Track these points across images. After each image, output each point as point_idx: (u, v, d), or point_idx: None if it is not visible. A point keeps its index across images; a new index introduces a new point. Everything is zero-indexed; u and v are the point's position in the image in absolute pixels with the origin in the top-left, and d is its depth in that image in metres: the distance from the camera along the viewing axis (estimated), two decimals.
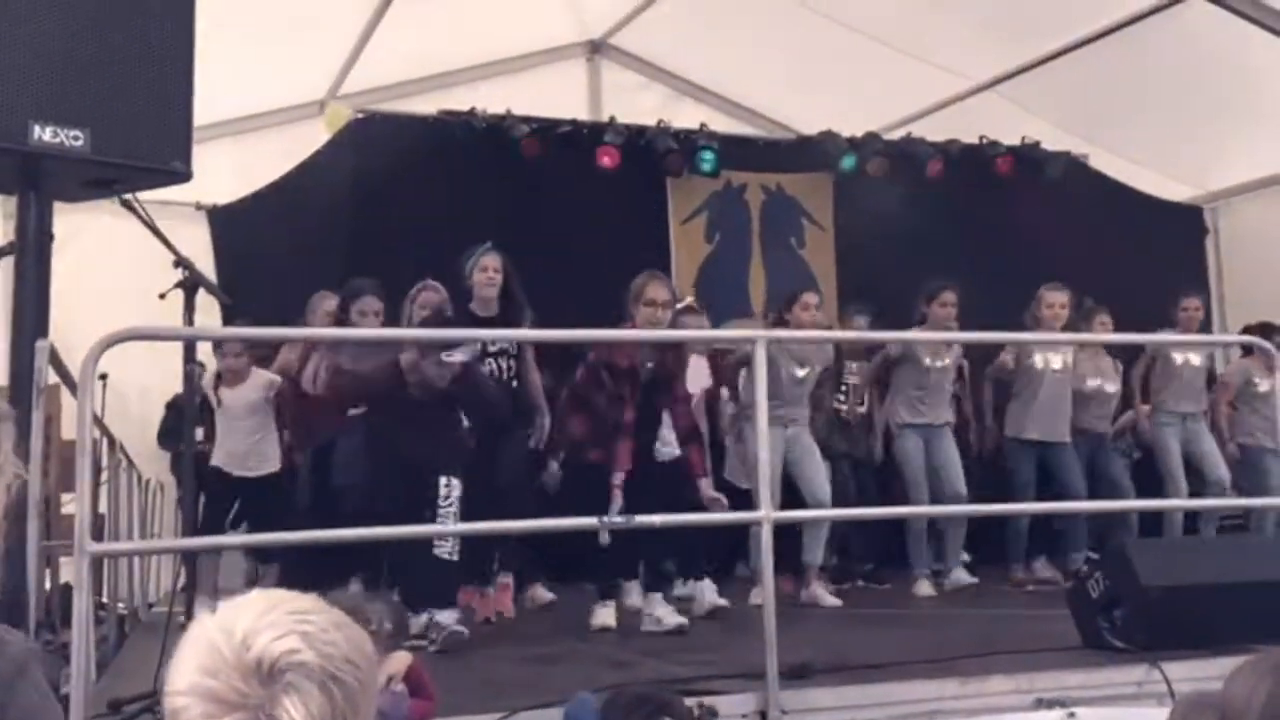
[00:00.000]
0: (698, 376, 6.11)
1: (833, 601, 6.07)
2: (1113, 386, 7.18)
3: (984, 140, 9.87)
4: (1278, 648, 2.10)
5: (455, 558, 4.87)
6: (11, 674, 1.55)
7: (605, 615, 5.24)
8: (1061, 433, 6.84)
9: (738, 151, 9.51)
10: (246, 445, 6.40)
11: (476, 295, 5.58)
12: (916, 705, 3.62)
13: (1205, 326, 7.93)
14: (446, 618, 4.82)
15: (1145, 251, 9.54)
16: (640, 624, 5.21)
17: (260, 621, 1.12)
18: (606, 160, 8.73)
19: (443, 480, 4.82)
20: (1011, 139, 9.89)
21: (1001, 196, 9.86)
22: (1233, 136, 9.39)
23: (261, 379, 6.38)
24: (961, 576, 6.62)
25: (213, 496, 6.35)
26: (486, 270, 5.56)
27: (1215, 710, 2.16)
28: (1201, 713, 2.23)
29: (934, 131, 9.71)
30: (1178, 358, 7.15)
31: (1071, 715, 3.60)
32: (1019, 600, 6.25)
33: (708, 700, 3.02)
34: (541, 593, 6.38)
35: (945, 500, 6.48)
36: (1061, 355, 6.92)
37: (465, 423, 5.33)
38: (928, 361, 6.65)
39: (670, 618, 5.14)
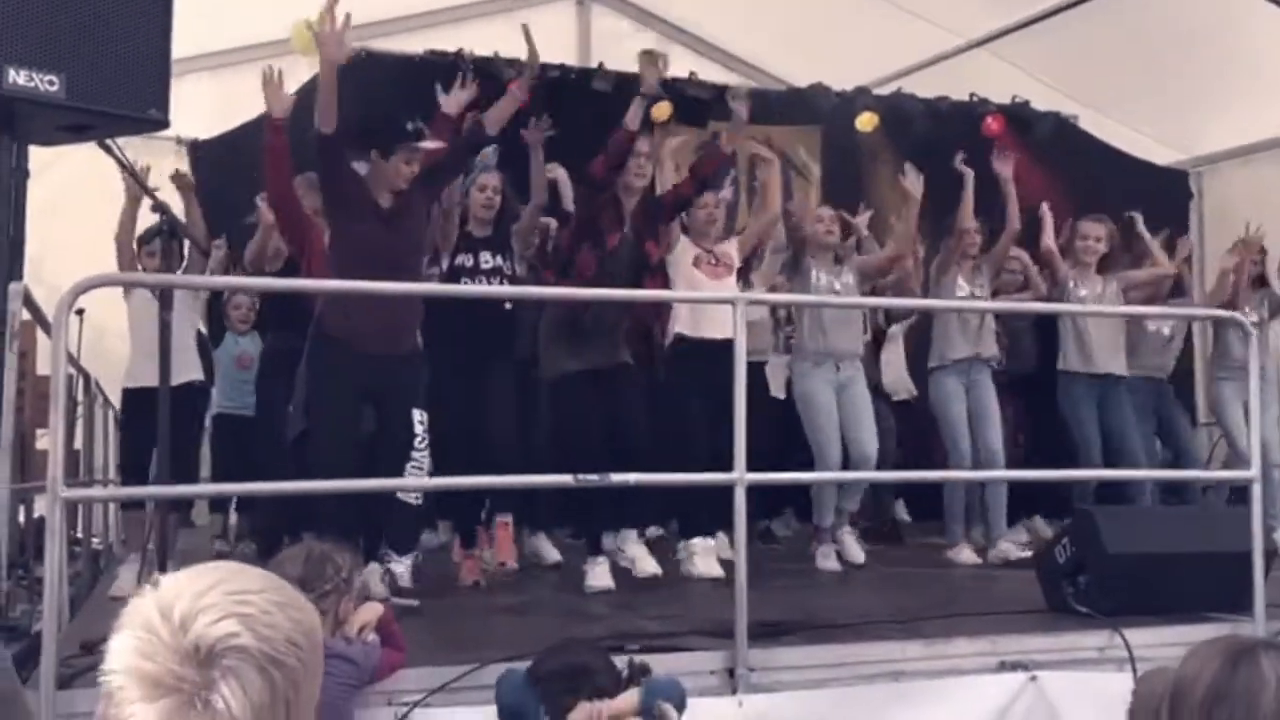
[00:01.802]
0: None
1: (834, 567, 5.75)
2: (1168, 328, 6.91)
3: (974, 98, 9.83)
4: (1232, 633, 2.15)
5: (419, 501, 4.81)
6: None
7: (602, 575, 4.98)
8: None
9: (727, 102, 9.41)
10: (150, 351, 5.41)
11: (474, 214, 5.39)
12: (881, 665, 3.67)
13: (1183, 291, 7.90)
14: (403, 569, 4.70)
15: (1130, 212, 9.53)
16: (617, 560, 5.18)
17: (199, 603, 1.11)
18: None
19: (415, 415, 4.66)
20: (1001, 97, 9.86)
21: (989, 154, 9.83)
22: (1221, 101, 9.36)
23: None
24: (1010, 549, 6.04)
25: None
26: (485, 189, 5.40)
27: (1169, 683, 2.22)
28: (1157, 683, 2.29)
29: (924, 87, 9.67)
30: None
31: (1034, 679, 3.66)
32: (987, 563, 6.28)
33: (640, 658, 3.04)
34: (547, 550, 5.98)
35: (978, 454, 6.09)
36: (1089, 288, 6.53)
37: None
38: (963, 294, 6.29)
39: (645, 563, 5.08)
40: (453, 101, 5.00)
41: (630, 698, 2.84)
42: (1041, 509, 6.99)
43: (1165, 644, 3.75)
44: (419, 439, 4.73)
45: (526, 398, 5.61)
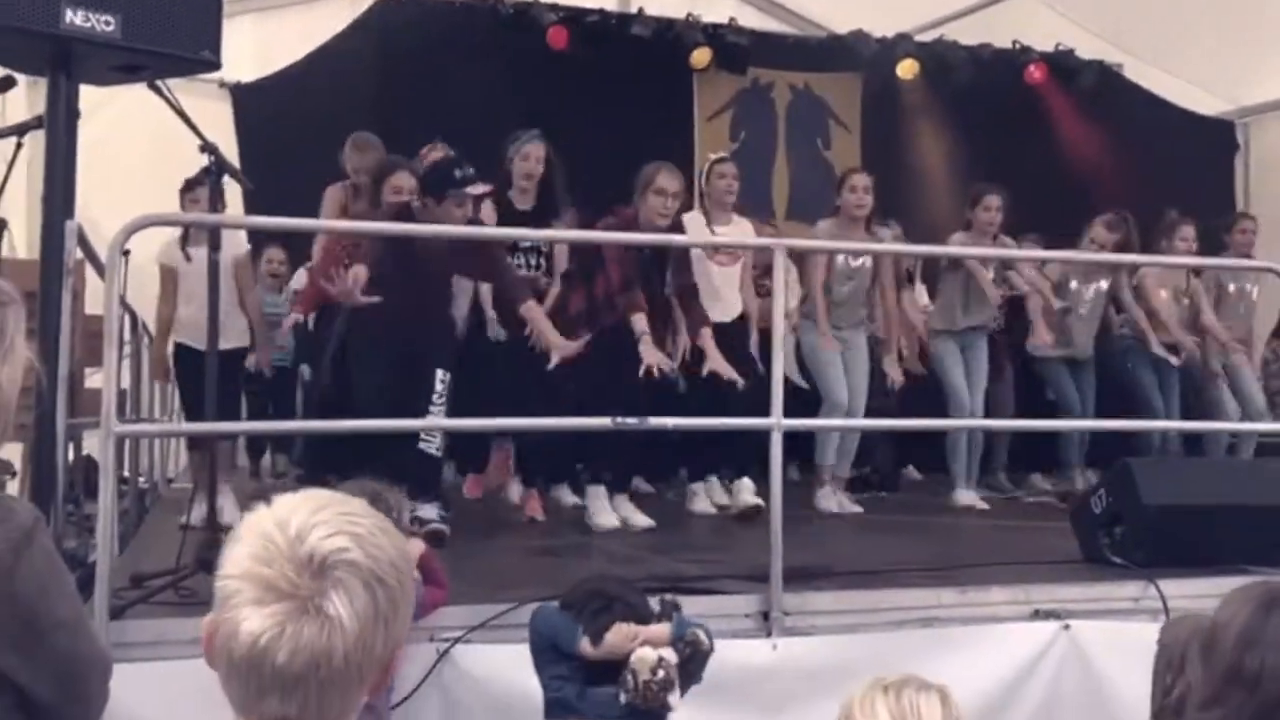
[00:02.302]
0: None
1: (852, 509, 6.05)
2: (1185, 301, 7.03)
3: (1017, 45, 9.69)
4: (1267, 579, 2.17)
5: (440, 453, 4.88)
6: (19, 541, 1.62)
7: (605, 515, 5.20)
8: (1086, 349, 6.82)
9: (766, 48, 9.37)
10: (198, 316, 5.38)
11: (515, 183, 5.41)
12: (914, 612, 3.70)
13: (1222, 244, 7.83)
14: (428, 511, 4.77)
15: (1174, 165, 9.43)
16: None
17: (314, 518, 1.17)
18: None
19: (439, 374, 4.76)
20: (1045, 45, 9.71)
21: (1033, 103, 9.74)
22: (1268, 51, 9.19)
23: (234, 237, 5.58)
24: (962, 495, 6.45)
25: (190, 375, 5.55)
26: (529, 159, 5.38)
27: (1200, 628, 2.25)
28: (1182, 629, 2.32)
29: (966, 35, 9.53)
30: (1230, 286, 7.08)
31: (1067, 627, 3.69)
32: (1022, 513, 6.33)
33: (670, 596, 3.10)
34: (567, 496, 6.12)
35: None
36: (1095, 285, 6.87)
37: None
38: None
39: (636, 518, 5.22)
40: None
41: (663, 627, 2.89)
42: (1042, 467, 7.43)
43: (1200, 595, 3.75)
44: (437, 394, 4.78)
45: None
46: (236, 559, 1.17)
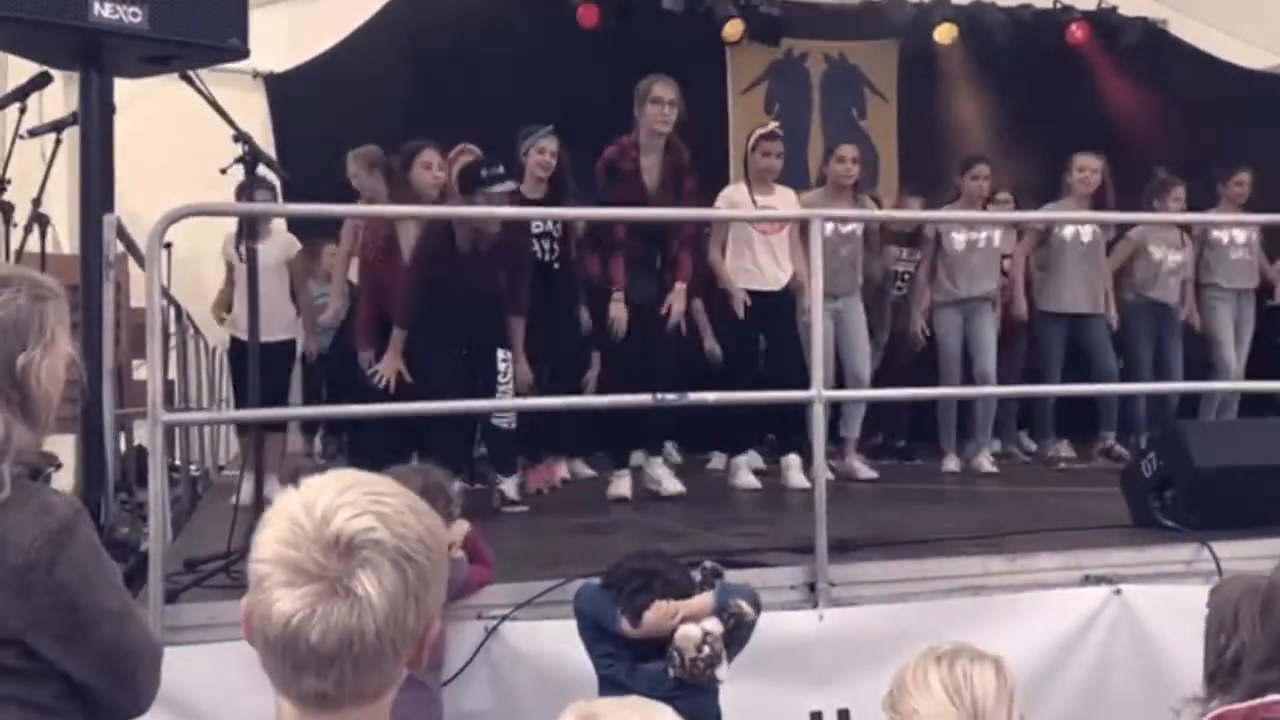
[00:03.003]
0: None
1: (869, 473, 6.21)
2: (1178, 256, 7.01)
3: (1058, 5, 9.54)
4: None
5: (514, 426, 5.07)
6: (59, 534, 1.65)
7: (621, 485, 5.38)
8: (1093, 304, 6.73)
9: (800, 18, 9.28)
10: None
11: (528, 174, 5.59)
12: (962, 580, 3.67)
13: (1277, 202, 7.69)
14: (509, 486, 5.06)
15: (1223, 121, 9.23)
16: (643, 482, 5.46)
17: (339, 499, 1.18)
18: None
19: (500, 354, 4.96)
20: (1087, 3, 9.55)
21: (1075, 64, 9.57)
22: None
23: (283, 236, 6.04)
24: (982, 462, 6.57)
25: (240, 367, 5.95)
26: (544, 153, 5.57)
27: (1253, 587, 2.21)
28: (1237, 587, 2.28)
29: None
30: (1223, 236, 6.99)
31: (1118, 592, 3.64)
32: (1070, 479, 6.28)
33: (712, 562, 3.10)
34: (581, 468, 6.50)
35: (974, 378, 6.52)
36: (1092, 228, 6.80)
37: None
38: (963, 237, 6.61)
39: (669, 482, 5.38)
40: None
41: (705, 599, 2.88)
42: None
43: (1254, 557, 3.68)
44: (501, 375, 4.99)
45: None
46: (266, 543, 1.18)
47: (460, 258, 5.03)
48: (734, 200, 5.82)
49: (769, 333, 5.82)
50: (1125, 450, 6.56)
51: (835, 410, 6.27)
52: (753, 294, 5.76)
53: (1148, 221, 6.95)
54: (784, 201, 5.89)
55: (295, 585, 1.15)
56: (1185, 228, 7.07)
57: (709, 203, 5.78)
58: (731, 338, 6.01)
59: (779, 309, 5.86)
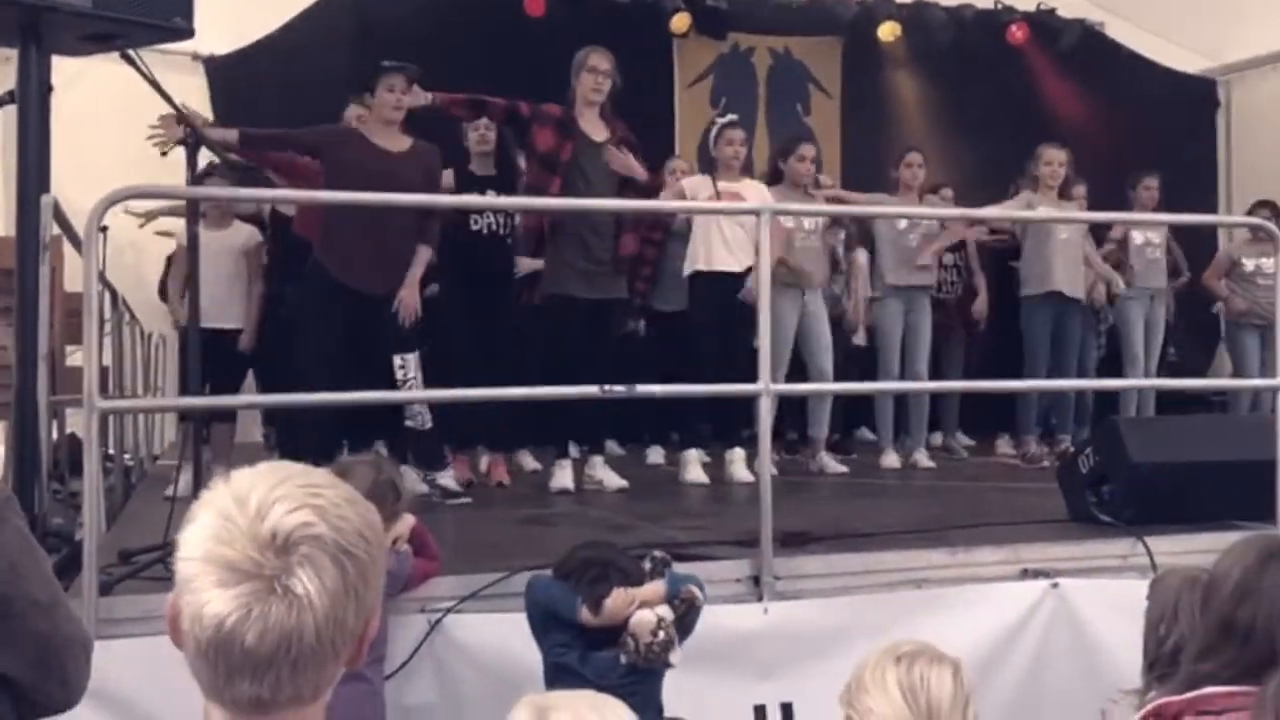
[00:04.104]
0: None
1: (839, 468, 6.25)
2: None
3: (999, 5, 9.66)
4: (1265, 532, 2.18)
5: (429, 425, 4.97)
6: None
7: (563, 477, 5.38)
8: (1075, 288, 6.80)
9: (746, 12, 9.30)
10: (212, 293, 5.50)
11: (473, 155, 5.68)
12: (905, 574, 3.71)
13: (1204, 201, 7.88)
14: (446, 479, 5.00)
15: (1157, 123, 9.43)
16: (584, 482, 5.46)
17: (274, 493, 1.12)
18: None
19: (397, 360, 4.82)
20: (1026, 4, 9.68)
21: (1015, 63, 9.71)
22: (1248, 8, 9.20)
23: (243, 231, 5.94)
24: (920, 458, 6.65)
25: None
26: (478, 129, 5.65)
27: (1191, 580, 2.25)
28: (1176, 579, 2.33)
29: None
30: (1138, 237, 7.12)
31: (1055, 585, 3.70)
32: (1011, 474, 6.38)
33: (660, 552, 3.12)
34: (528, 460, 6.47)
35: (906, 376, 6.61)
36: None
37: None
38: (902, 226, 6.67)
39: (611, 480, 5.41)
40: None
41: (658, 586, 2.93)
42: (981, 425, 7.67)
43: (1187, 551, 3.77)
44: (401, 380, 4.84)
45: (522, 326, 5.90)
46: (195, 539, 1.12)
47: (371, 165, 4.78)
48: (696, 190, 5.84)
49: (727, 315, 5.75)
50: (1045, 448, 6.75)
51: (803, 409, 6.41)
52: (717, 276, 5.78)
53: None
54: (751, 190, 5.89)
55: (229, 585, 1.09)
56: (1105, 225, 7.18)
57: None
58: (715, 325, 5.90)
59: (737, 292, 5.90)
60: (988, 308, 7.21)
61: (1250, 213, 7.41)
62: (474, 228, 5.60)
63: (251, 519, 1.10)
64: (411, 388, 4.83)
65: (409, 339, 4.87)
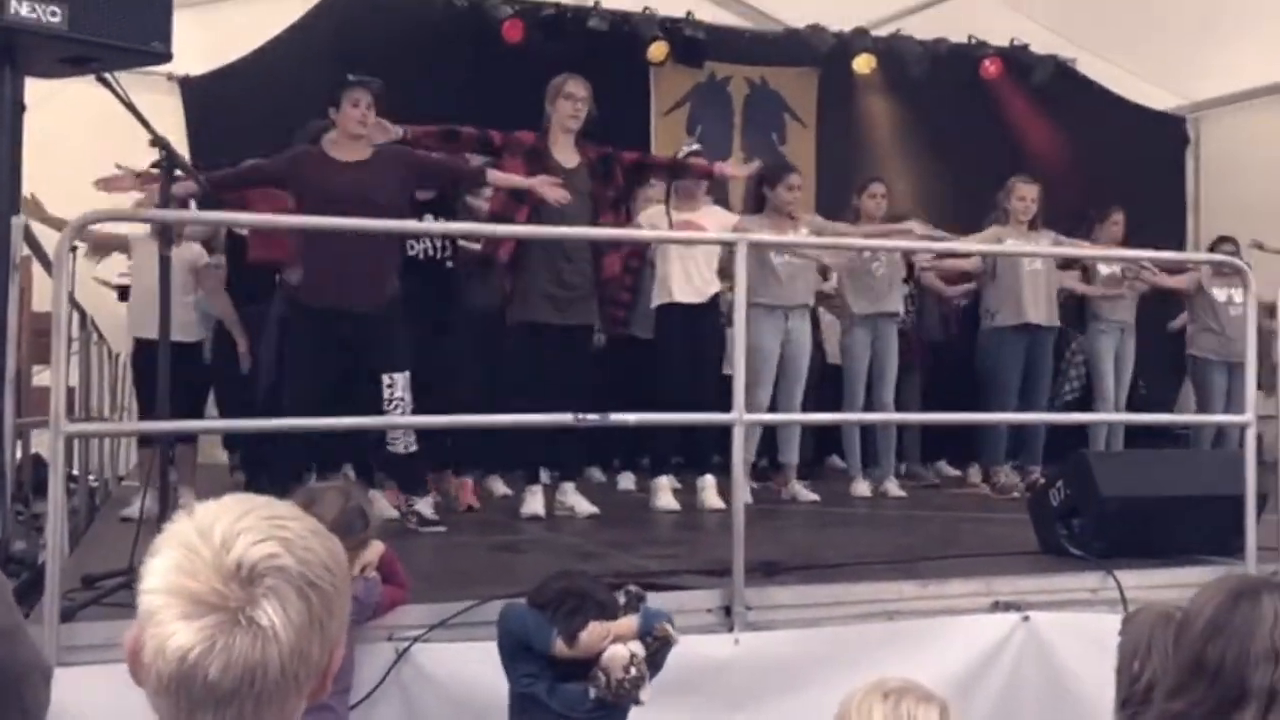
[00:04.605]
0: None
1: (810, 496, 6.27)
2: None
3: (972, 40, 9.76)
4: (1241, 571, 2.19)
5: (413, 449, 4.91)
6: None
7: (534, 503, 5.35)
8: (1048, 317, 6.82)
9: (723, 42, 9.37)
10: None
11: None
12: (877, 605, 3.70)
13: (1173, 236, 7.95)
14: (424, 506, 4.94)
15: (1127, 159, 9.54)
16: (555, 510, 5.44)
17: (238, 524, 1.11)
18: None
19: (385, 380, 4.77)
20: (1000, 40, 9.79)
21: (988, 97, 9.81)
22: (1218, 47, 9.31)
23: (193, 249, 5.81)
24: (890, 487, 6.66)
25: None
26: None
27: (1165, 617, 2.26)
28: (1149, 616, 2.33)
29: (922, 29, 9.58)
30: (1105, 271, 7.18)
31: (1026, 619, 3.70)
32: (981, 504, 6.39)
33: (634, 587, 3.10)
34: (498, 486, 6.44)
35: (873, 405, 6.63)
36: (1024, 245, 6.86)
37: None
38: (866, 255, 6.69)
39: (582, 506, 5.38)
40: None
41: (631, 621, 2.91)
42: (946, 454, 7.85)
43: (1157, 585, 3.79)
44: (388, 400, 4.77)
45: (489, 351, 5.89)
46: (159, 571, 1.10)
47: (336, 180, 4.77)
48: (653, 222, 5.88)
49: (694, 346, 5.84)
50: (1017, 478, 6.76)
51: (772, 437, 6.42)
52: (683, 307, 5.82)
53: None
54: (709, 218, 5.92)
55: (193, 617, 1.07)
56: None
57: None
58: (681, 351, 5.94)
59: (709, 320, 5.92)
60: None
61: (1213, 248, 7.50)
62: (410, 253, 5.52)
63: (216, 551, 1.09)
64: (399, 408, 4.77)
65: (399, 358, 4.80)
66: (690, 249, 5.86)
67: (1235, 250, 6.94)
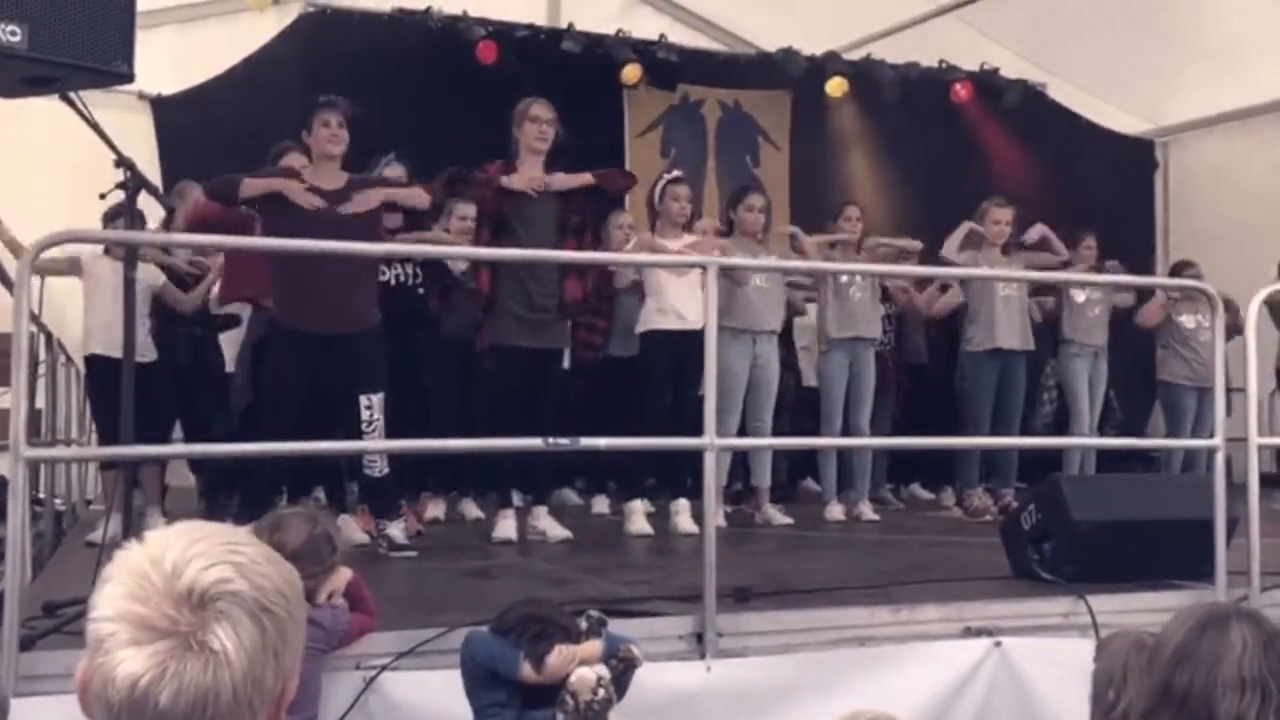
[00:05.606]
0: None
1: (784, 519, 6.27)
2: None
3: (943, 64, 9.84)
4: (1212, 599, 2.18)
5: (386, 472, 4.92)
6: None
7: (506, 527, 5.33)
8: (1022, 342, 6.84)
9: (697, 65, 9.40)
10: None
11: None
12: (850, 631, 3.68)
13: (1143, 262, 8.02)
14: (396, 531, 4.91)
15: (1096, 183, 9.62)
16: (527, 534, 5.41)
17: (190, 550, 1.09)
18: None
19: (364, 401, 4.75)
20: (971, 64, 9.87)
21: (959, 121, 9.89)
22: (1186, 72, 9.43)
23: (151, 269, 5.66)
24: (864, 510, 6.68)
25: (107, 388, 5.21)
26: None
27: (1138, 643, 2.25)
28: (1123, 643, 2.33)
29: (894, 53, 9.66)
30: (1079, 295, 7.22)
31: (998, 644, 3.69)
32: (954, 528, 6.39)
33: (597, 612, 3.09)
34: (471, 509, 6.40)
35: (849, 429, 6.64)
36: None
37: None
38: (844, 279, 6.68)
39: (555, 531, 5.36)
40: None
41: (596, 645, 2.92)
42: (921, 477, 7.92)
43: (1128, 610, 3.80)
44: (366, 423, 4.76)
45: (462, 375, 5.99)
46: (110, 599, 1.08)
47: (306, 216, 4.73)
48: (648, 247, 5.90)
49: (687, 373, 5.75)
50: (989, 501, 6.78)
51: (745, 460, 6.44)
52: (671, 334, 5.79)
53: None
54: (696, 245, 5.93)
55: (144, 643, 1.05)
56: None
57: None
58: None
59: (696, 350, 5.91)
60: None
61: (1175, 273, 7.56)
62: (383, 278, 5.57)
63: (168, 576, 1.07)
64: (375, 430, 4.75)
65: (375, 379, 4.80)
66: (678, 277, 5.84)
67: (1198, 274, 7.00)
